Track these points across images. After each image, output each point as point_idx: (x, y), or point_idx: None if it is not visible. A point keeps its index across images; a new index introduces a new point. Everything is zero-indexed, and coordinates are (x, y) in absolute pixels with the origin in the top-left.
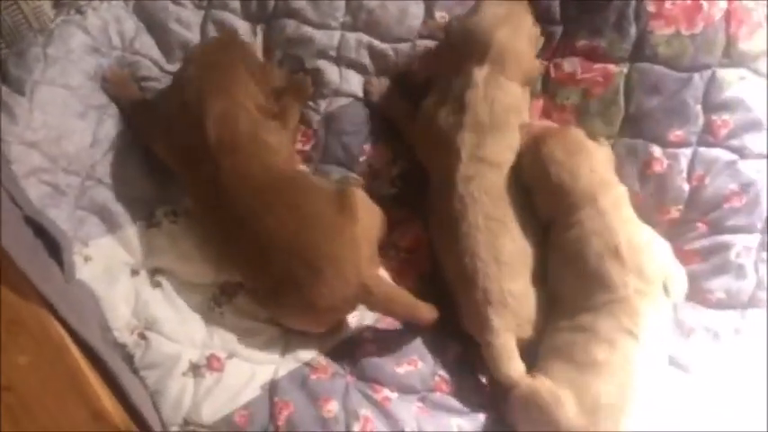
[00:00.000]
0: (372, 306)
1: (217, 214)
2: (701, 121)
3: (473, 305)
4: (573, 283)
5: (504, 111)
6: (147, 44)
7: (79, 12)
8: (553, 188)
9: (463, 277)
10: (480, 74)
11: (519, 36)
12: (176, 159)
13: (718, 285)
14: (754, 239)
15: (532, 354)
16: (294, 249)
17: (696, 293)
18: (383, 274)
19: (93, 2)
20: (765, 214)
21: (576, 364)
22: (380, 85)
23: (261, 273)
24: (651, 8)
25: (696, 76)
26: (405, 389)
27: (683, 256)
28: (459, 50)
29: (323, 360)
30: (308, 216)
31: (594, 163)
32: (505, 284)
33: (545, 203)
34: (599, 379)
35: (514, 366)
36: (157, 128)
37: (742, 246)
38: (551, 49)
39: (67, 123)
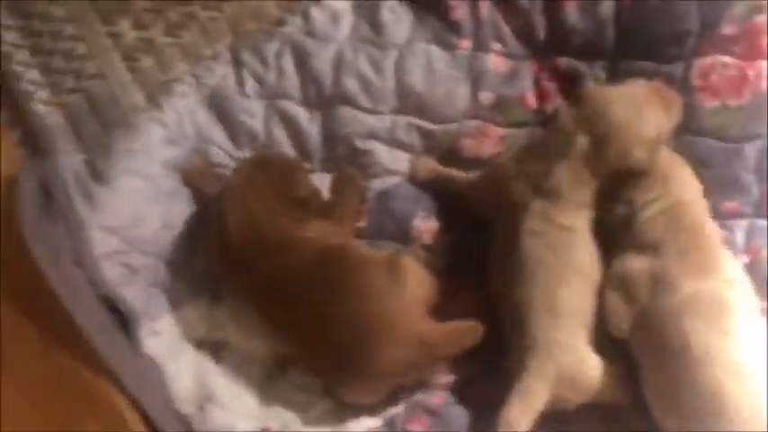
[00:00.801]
0: (438, 357)
1: (263, 308)
2: (754, 191)
3: (517, 352)
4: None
5: (585, 193)
6: (216, 133)
7: (158, 107)
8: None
9: (515, 327)
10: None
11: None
12: (215, 259)
13: None
14: None
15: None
16: (347, 326)
17: None
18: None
19: (170, 97)
20: None
21: None
22: (425, 162)
23: (316, 354)
24: (697, 82)
25: (746, 146)
26: None
27: None
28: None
29: None
30: (357, 286)
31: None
32: (552, 333)
33: None
34: None
35: (522, 418)
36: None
37: None
38: None
39: (143, 209)
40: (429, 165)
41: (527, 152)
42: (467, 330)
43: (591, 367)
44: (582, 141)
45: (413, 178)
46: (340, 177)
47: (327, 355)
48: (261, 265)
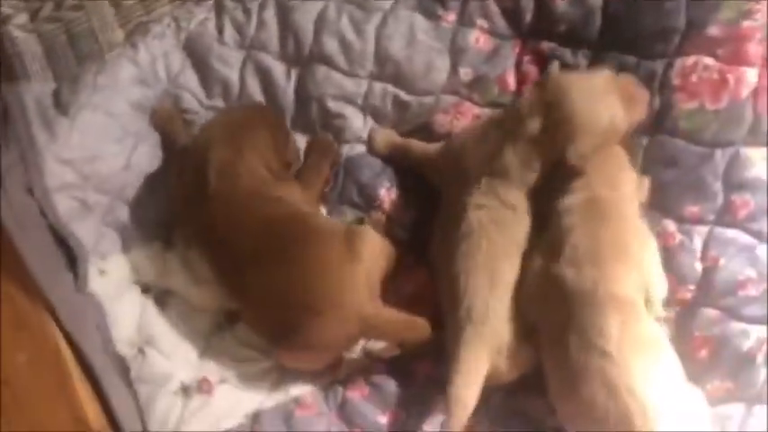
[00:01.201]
0: (376, 338)
1: (217, 258)
2: (719, 199)
3: (455, 324)
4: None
5: (532, 179)
6: (190, 79)
7: (133, 46)
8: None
9: (453, 297)
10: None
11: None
12: (180, 199)
13: (727, 376)
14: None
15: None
16: (294, 294)
17: (702, 383)
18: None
19: (146, 37)
20: None
21: None
22: (383, 133)
23: (261, 315)
24: (676, 80)
25: (718, 152)
26: None
27: (692, 343)
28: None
29: (311, 398)
30: (308, 258)
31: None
32: (492, 303)
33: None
34: None
35: (467, 389)
36: (175, 166)
37: (756, 337)
38: None
39: (103, 146)
40: (387, 136)
41: (484, 129)
42: (413, 325)
43: (524, 342)
44: (534, 125)
45: (371, 149)
46: (316, 142)
47: (271, 318)
48: (229, 213)
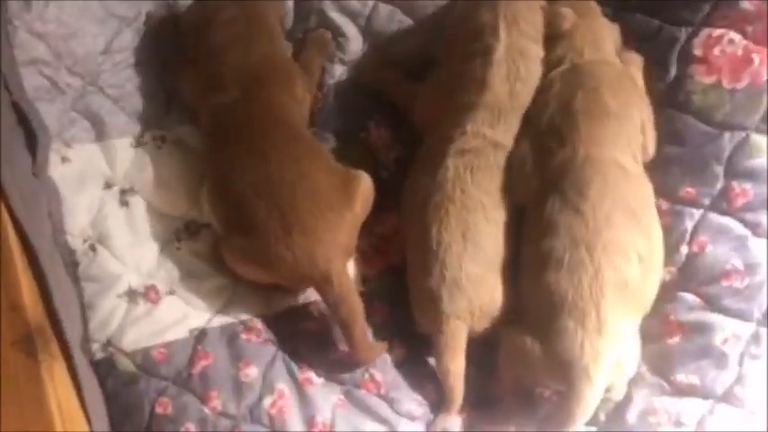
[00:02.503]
0: (323, 296)
1: (221, 144)
2: (719, 184)
3: (427, 282)
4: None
5: (526, 92)
6: None
7: None
8: None
9: (424, 250)
10: (500, 48)
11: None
12: (198, 83)
13: (694, 369)
14: (746, 329)
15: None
16: (279, 200)
17: (668, 371)
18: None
19: None
20: (766, 305)
21: None
22: (373, 59)
23: (238, 211)
24: (697, 51)
25: (726, 134)
26: (331, 377)
27: (666, 328)
28: (466, 47)
29: (259, 323)
30: (308, 176)
31: None
32: (465, 264)
33: None
34: None
35: (457, 363)
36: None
37: (731, 332)
38: None
39: (82, 25)
40: (377, 63)
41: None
42: (359, 329)
43: (499, 297)
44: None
45: (359, 73)
46: (312, 37)
47: (243, 225)
48: (251, 92)
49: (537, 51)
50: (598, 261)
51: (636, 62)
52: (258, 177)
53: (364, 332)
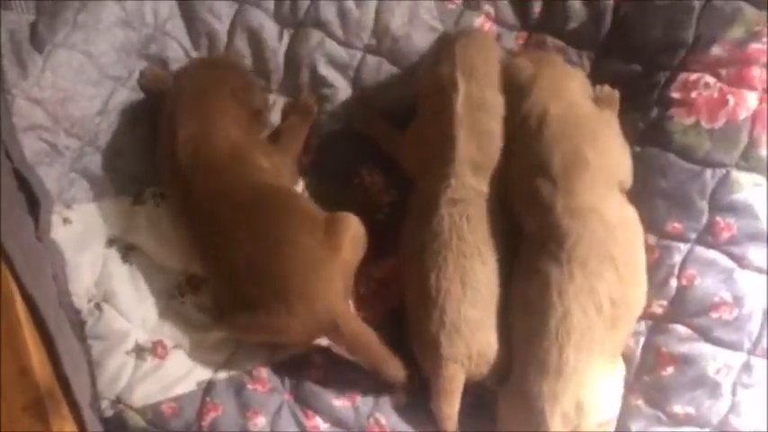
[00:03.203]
0: (336, 342)
1: (192, 228)
2: (704, 218)
3: (427, 327)
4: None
5: (494, 146)
6: (178, 28)
7: None
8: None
9: (424, 296)
10: (459, 100)
11: (476, 49)
12: (162, 165)
13: (689, 399)
14: (737, 359)
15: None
16: (266, 274)
17: (664, 403)
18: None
19: None
20: (755, 335)
21: None
22: (362, 107)
23: (230, 290)
24: (676, 94)
25: (708, 171)
26: (337, 422)
27: (659, 359)
28: (433, 101)
29: (264, 372)
30: (287, 241)
31: None
32: (464, 309)
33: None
34: None
35: (453, 407)
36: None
37: (723, 362)
38: None
39: (78, 88)
40: (367, 112)
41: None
42: (383, 357)
43: (494, 343)
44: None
45: (349, 122)
46: (296, 104)
47: (237, 293)
48: (205, 181)
49: (497, 101)
50: (568, 305)
51: (610, 101)
52: (238, 257)
53: (389, 354)
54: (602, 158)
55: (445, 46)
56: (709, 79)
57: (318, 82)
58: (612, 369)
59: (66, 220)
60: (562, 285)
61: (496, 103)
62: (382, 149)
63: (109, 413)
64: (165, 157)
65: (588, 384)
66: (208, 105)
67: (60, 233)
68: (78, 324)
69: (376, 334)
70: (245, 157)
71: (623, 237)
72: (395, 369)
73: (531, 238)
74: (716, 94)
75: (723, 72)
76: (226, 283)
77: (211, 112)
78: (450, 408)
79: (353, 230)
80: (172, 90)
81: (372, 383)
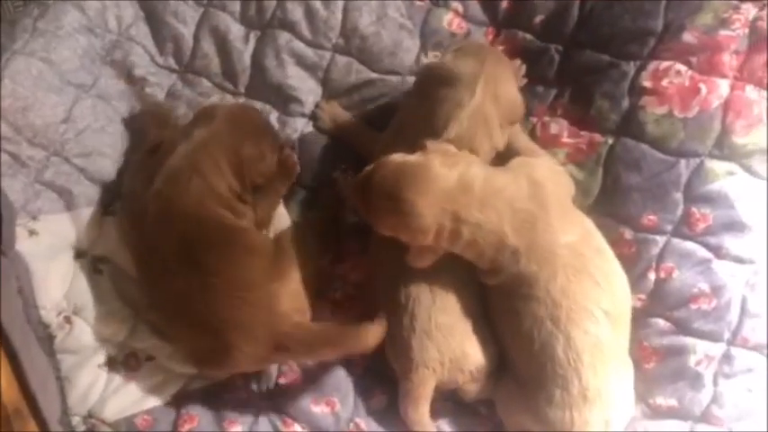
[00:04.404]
0: (298, 357)
1: (144, 265)
2: (679, 210)
3: (398, 332)
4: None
5: (484, 156)
6: (142, 32)
7: None
8: None
9: (395, 302)
10: (470, 106)
11: (505, 69)
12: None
13: (672, 391)
14: (717, 349)
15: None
16: (208, 308)
17: (647, 395)
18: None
19: None
20: (735, 324)
21: None
22: (330, 107)
23: (175, 325)
24: (647, 83)
25: (682, 161)
26: (316, 428)
27: (641, 353)
28: (438, 91)
29: (240, 382)
30: (228, 275)
31: None
32: (434, 314)
33: None
34: None
35: (420, 411)
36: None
37: (704, 353)
38: (542, 108)
39: (38, 96)
40: (334, 110)
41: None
42: (346, 335)
43: (472, 350)
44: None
45: (315, 123)
46: (278, 164)
47: (188, 337)
48: (162, 215)
49: (498, 134)
50: (565, 329)
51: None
52: (175, 290)
53: (350, 332)
54: (557, 201)
55: (473, 48)
56: (680, 67)
57: (286, 85)
58: (627, 370)
59: (32, 232)
60: (553, 314)
61: (497, 134)
62: (355, 151)
63: (80, 429)
64: (137, 181)
65: (613, 401)
66: (208, 155)
67: (26, 245)
68: (47, 338)
69: (324, 324)
70: (207, 204)
71: (591, 250)
72: (363, 341)
73: (496, 287)
74: (687, 83)
75: (693, 60)
76: (173, 324)
77: (207, 162)
78: (417, 412)
79: (294, 256)
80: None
81: (351, 387)
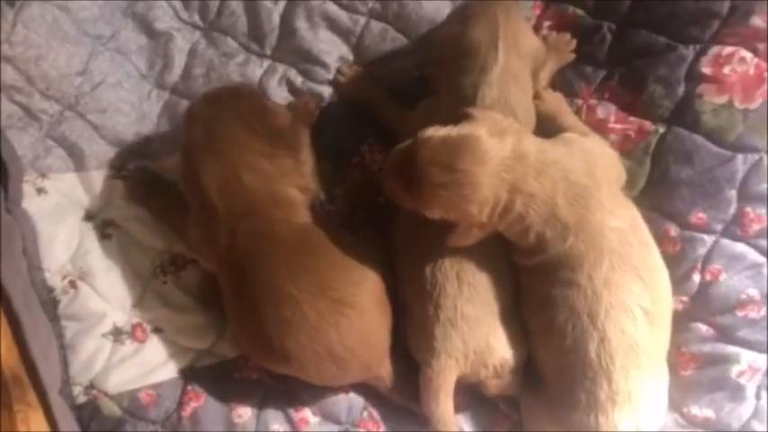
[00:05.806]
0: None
1: (231, 273)
2: (732, 209)
3: (422, 321)
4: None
5: (524, 113)
6: None
7: None
8: None
9: (419, 290)
10: (496, 69)
11: (518, 19)
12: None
13: (709, 401)
14: (763, 360)
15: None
16: (320, 333)
17: (681, 404)
18: None
19: None
20: None
21: None
22: (353, 72)
23: (275, 348)
24: (706, 69)
25: (739, 157)
26: (328, 416)
27: (678, 359)
28: (461, 64)
29: (251, 362)
30: (346, 303)
31: None
32: (460, 304)
33: None
34: None
35: (443, 402)
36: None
37: (748, 364)
38: (588, 90)
39: (53, 45)
40: (356, 75)
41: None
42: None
43: (498, 344)
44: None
45: (338, 88)
46: (293, 108)
47: (271, 344)
48: (240, 228)
49: (528, 77)
50: (602, 327)
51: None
52: (287, 310)
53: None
54: (598, 181)
55: (480, 9)
56: (746, 54)
57: (315, 50)
58: (662, 376)
59: (40, 191)
60: (591, 309)
61: (528, 79)
62: (383, 125)
63: (81, 400)
64: (196, 211)
65: (644, 406)
66: (223, 143)
67: (33, 204)
68: (51, 303)
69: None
70: (281, 197)
71: (638, 241)
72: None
73: (534, 269)
74: (752, 71)
75: (761, 46)
76: (271, 343)
77: (230, 150)
78: (439, 407)
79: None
80: (186, 139)
81: None
